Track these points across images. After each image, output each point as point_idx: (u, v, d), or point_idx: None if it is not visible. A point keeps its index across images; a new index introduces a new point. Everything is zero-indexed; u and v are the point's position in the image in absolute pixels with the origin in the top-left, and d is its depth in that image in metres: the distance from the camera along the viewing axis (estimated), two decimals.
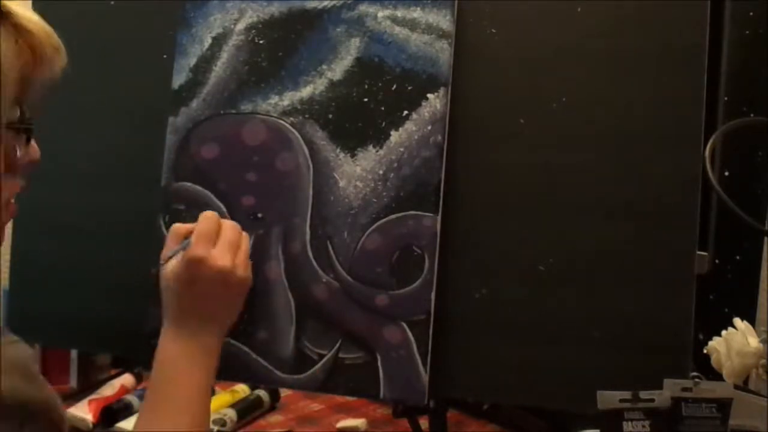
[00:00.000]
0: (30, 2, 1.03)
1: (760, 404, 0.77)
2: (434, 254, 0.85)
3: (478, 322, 0.85)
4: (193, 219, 0.88)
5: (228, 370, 0.88)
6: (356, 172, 0.87)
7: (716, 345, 0.86)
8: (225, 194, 0.90)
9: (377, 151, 0.87)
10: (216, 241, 0.81)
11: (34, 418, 0.59)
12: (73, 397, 1.21)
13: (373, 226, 0.86)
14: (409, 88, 0.86)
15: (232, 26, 0.92)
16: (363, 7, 0.89)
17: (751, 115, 1.03)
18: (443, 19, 0.86)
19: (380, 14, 0.88)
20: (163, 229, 0.90)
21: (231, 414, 1.18)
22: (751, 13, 1.06)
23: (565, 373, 0.83)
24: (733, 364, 0.83)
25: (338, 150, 0.88)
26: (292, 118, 0.89)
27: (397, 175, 0.86)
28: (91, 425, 1.14)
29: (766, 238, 1.02)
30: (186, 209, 0.90)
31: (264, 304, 0.88)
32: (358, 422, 1.18)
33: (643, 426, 0.70)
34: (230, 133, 0.90)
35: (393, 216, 0.86)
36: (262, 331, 0.88)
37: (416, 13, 0.87)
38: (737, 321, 0.87)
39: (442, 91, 0.86)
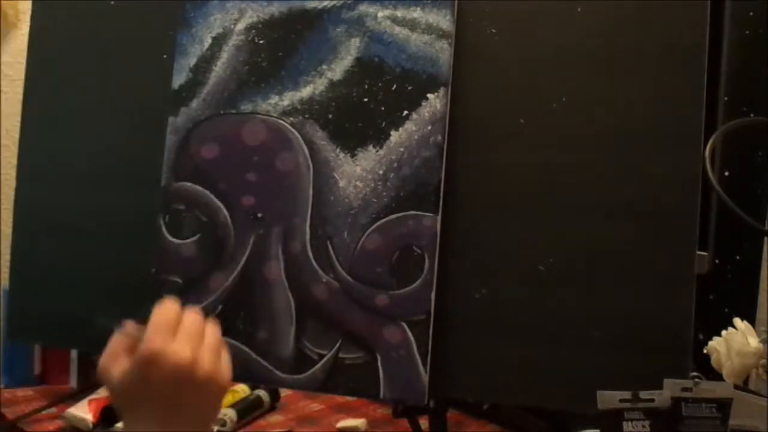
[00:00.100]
0: (30, 2, 1.03)
1: (760, 404, 0.77)
2: (434, 254, 0.85)
3: (478, 322, 0.85)
4: (194, 219, 0.88)
5: None
6: (356, 172, 0.87)
7: (716, 345, 0.86)
8: (225, 194, 0.90)
9: (377, 151, 0.87)
10: (174, 333, 0.66)
11: None
12: (73, 397, 1.21)
13: (373, 226, 0.86)
14: (409, 88, 0.86)
15: (232, 26, 0.92)
16: (363, 7, 0.89)
17: (751, 115, 1.03)
18: (443, 19, 0.86)
19: (380, 14, 0.88)
20: (163, 229, 0.90)
21: (231, 414, 1.17)
22: (751, 13, 1.06)
23: (565, 373, 0.83)
24: (733, 364, 0.83)
25: (338, 150, 0.88)
26: (292, 118, 0.89)
27: (397, 175, 0.86)
28: (91, 425, 1.14)
29: (766, 238, 1.02)
30: (186, 209, 0.90)
31: (264, 304, 0.88)
32: (358, 422, 1.18)
33: (643, 426, 0.70)
34: (230, 133, 0.90)
35: (393, 216, 0.86)
36: (262, 331, 0.88)
37: (416, 13, 0.87)
38: (737, 321, 0.87)
39: (442, 91, 0.86)
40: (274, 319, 0.88)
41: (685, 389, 0.71)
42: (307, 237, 0.87)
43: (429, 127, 0.86)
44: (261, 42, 0.91)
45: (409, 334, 0.84)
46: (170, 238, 0.91)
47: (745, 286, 1.06)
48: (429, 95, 0.86)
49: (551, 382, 0.83)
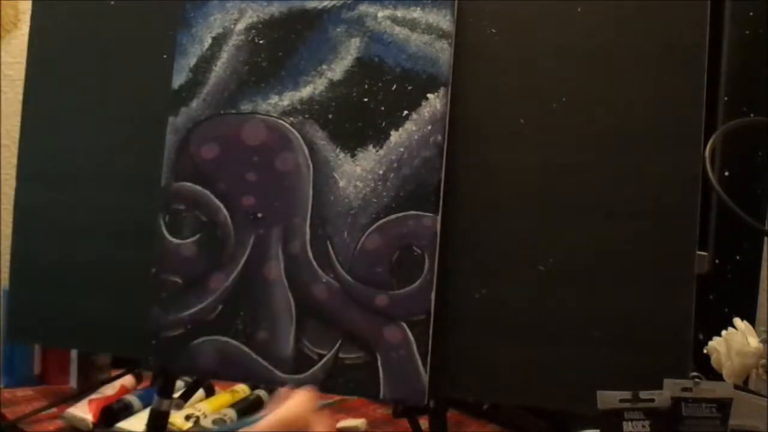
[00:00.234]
0: (30, 2, 1.03)
1: (760, 404, 0.77)
2: (434, 254, 0.85)
3: (478, 322, 0.85)
4: (194, 219, 0.88)
5: (228, 370, 0.88)
6: (356, 172, 0.87)
7: (716, 345, 0.86)
8: (225, 194, 0.90)
9: (377, 151, 0.87)
10: None
11: None
12: (73, 397, 1.21)
13: (373, 226, 0.86)
14: (409, 88, 0.86)
15: (232, 26, 0.92)
16: (363, 7, 0.89)
17: (751, 115, 1.03)
18: (443, 19, 0.86)
19: (380, 14, 0.88)
20: (163, 229, 0.90)
21: (231, 414, 1.18)
22: (751, 13, 1.06)
23: (565, 373, 0.83)
24: (733, 364, 0.83)
25: (338, 150, 0.88)
26: (292, 118, 0.89)
27: (397, 175, 0.86)
28: (91, 425, 1.14)
29: (766, 238, 1.02)
30: (186, 209, 0.90)
31: (264, 304, 0.88)
32: (358, 422, 1.18)
33: (643, 426, 0.70)
34: (230, 133, 0.90)
35: (393, 216, 0.86)
36: (262, 331, 0.88)
37: (416, 13, 0.87)
38: (737, 321, 0.87)
39: (442, 91, 0.86)
40: (274, 319, 0.88)
41: (685, 389, 0.71)
42: (307, 237, 0.87)
43: (429, 127, 0.86)
44: (261, 42, 0.91)
45: (409, 334, 0.84)
46: (170, 238, 0.91)
47: (745, 286, 1.06)
48: (429, 95, 0.86)
49: (551, 382, 0.83)
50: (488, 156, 0.86)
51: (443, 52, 0.86)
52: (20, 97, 1.02)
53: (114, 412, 1.16)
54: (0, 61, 1.43)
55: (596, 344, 0.82)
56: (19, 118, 1.01)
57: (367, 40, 0.88)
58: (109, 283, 0.95)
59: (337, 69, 0.89)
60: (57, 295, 0.97)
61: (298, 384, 0.87)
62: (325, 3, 0.90)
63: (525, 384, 0.84)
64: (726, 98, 1.04)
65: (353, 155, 0.87)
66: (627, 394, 0.71)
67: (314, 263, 0.87)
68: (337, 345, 0.86)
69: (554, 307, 0.84)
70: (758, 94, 1.04)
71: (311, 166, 0.88)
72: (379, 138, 0.87)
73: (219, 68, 0.91)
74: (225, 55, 0.91)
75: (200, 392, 1.20)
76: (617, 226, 0.83)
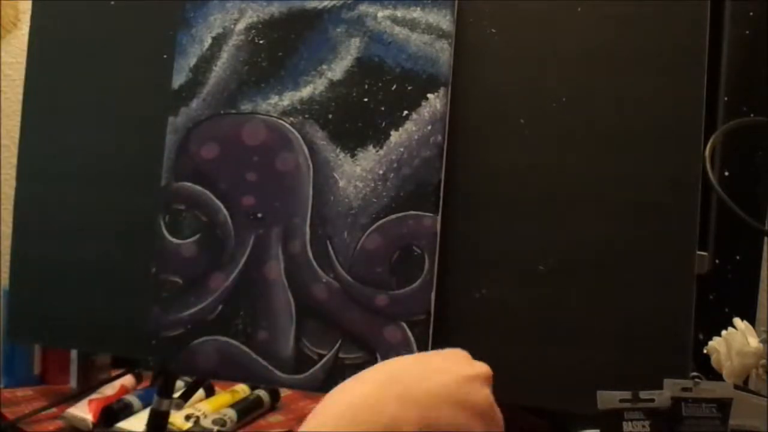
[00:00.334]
0: (30, 2, 1.03)
1: (760, 404, 0.77)
2: (434, 254, 0.85)
3: (478, 322, 0.85)
4: (194, 219, 0.88)
5: (228, 370, 0.88)
6: (356, 172, 0.87)
7: (716, 345, 0.86)
8: (225, 194, 0.90)
9: (377, 151, 0.87)
10: None
11: None
12: (73, 397, 1.21)
13: (373, 226, 0.86)
14: (409, 88, 0.86)
15: (232, 26, 0.92)
16: (363, 7, 0.89)
17: (751, 115, 1.03)
18: (443, 19, 0.86)
19: (380, 14, 0.88)
20: (163, 229, 0.90)
21: (231, 414, 1.18)
22: (751, 13, 1.06)
23: (565, 373, 0.83)
24: (733, 364, 0.83)
25: (338, 150, 0.88)
26: (292, 118, 0.89)
27: (397, 175, 0.86)
28: (91, 425, 1.14)
29: (766, 238, 1.02)
30: (186, 209, 0.90)
31: (264, 304, 0.88)
32: None
33: (643, 426, 0.70)
34: (230, 133, 0.90)
35: (393, 216, 0.86)
36: (262, 331, 0.88)
37: (416, 13, 0.87)
38: (737, 321, 0.87)
39: (442, 91, 0.86)
40: (274, 319, 0.87)
41: (685, 389, 0.71)
42: (307, 237, 0.87)
43: (429, 127, 0.86)
44: (261, 42, 0.91)
45: (409, 334, 0.84)
46: (170, 238, 0.91)
47: (745, 286, 1.06)
48: (429, 95, 0.86)
49: (551, 382, 0.83)
50: (488, 156, 0.86)
51: (443, 52, 0.86)
52: (20, 97, 1.02)
53: (114, 412, 1.16)
54: (0, 61, 1.43)
55: (596, 344, 0.82)
56: (19, 118, 1.01)
57: (367, 40, 0.88)
58: (109, 283, 0.95)
59: (337, 69, 0.89)
60: (57, 295, 0.97)
61: (299, 384, 0.87)
62: (325, 3, 0.90)
63: (525, 384, 0.84)
64: (726, 98, 1.04)
65: (353, 155, 0.87)
66: (627, 394, 0.71)
67: (314, 263, 0.87)
68: (337, 345, 0.86)
69: (554, 307, 0.84)
70: (758, 94, 1.04)
71: (311, 166, 0.88)
72: (379, 138, 0.87)
73: (219, 68, 0.91)
74: (225, 55, 0.91)
75: (200, 392, 1.20)
76: (617, 226, 0.83)
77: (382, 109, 0.87)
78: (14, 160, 1.02)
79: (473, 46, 0.87)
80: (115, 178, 0.96)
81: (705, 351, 0.87)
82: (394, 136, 0.86)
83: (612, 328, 0.82)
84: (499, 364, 0.85)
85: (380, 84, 0.87)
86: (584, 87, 0.85)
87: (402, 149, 0.86)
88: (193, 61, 0.92)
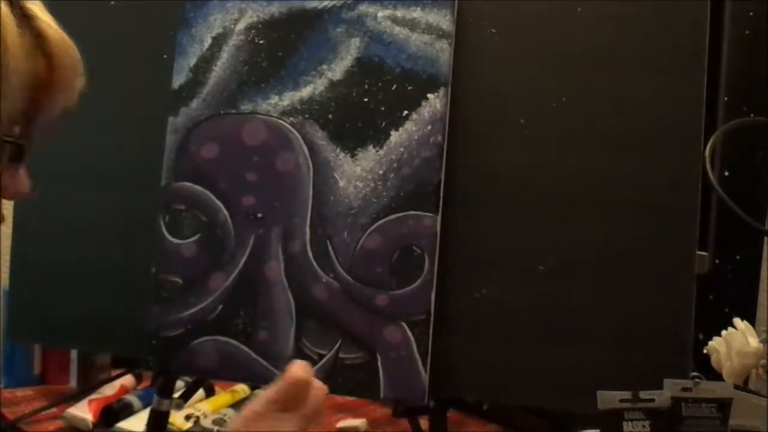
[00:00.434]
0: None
1: (760, 404, 0.77)
2: (434, 254, 0.84)
3: (478, 322, 0.85)
4: (194, 219, 0.88)
5: (228, 370, 0.88)
6: (356, 172, 0.87)
7: (716, 345, 0.86)
8: (225, 194, 0.90)
9: (377, 151, 0.87)
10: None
11: None
12: (73, 397, 1.21)
13: (373, 226, 0.86)
14: (409, 88, 0.86)
15: (232, 26, 0.91)
16: (363, 7, 0.89)
17: (751, 115, 1.03)
18: (443, 19, 0.86)
19: (380, 14, 0.88)
20: (163, 229, 0.90)
21: (231, 414, 1.17)
22: (751, 13, 1.06)
23: (565, 373, 0.83)
24: (733, 364, 0.83)
25: (338, 150, 0.88)
26: (292, 118, 0.89)
27: (397, 175, 0.86)
28: (91, 425, 1.14)
29: (766, 238, 1.02)
30: (186, 209, 0.90)
31: (264, 304, 0.88)
32: (358, 422, 1.18)
33: (643, 426, 0.70)
34: (230, 133, 0.90)
35: (393, 216, 0.86)
36: (262, 331, 0.88)
37: (416, 13, 0.87)
38: (737, 321, 0.87)
39: (442, 91, 0.86)
40: (274, 319, 0.87)
41: (685, 389, 0.71)
42: (307, 237, 0.87)
43: (429, 127, 0.86)
44: (261, 42, 0.91)
45: (409, 334, 0.84)
46: (170, 238, 0.91)
47: (745, 286, 1.06)
48: (429, 95, 0.86)
49: (551, 382, 0.83)
50: (488, 156, 0.86)
51: (443, 52, 0.86)
52: None
53: (114, 412, 1.16)
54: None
55: (596, 344, 0.82)
56: None
57: (367, 40, 0.88)
58: (109, 283, 0.95)
59: (337, 69, 0.89)
60: (57, 295, 0.97)
61: None
62: (325, 3, 0.90)
63: (525, 384, 0.84)
64: (726, 98, 1.04)
65: (353, 155, 0.87)
66: (627, 394, 0.71)
67: (314, 263, 0.87)
68: (337, 345, 0.86)
69: (554, 307, 0.84)
70: (758, 94, 1.04)
71: (311, 166, 0.88)
72: (379, 138, 0.87)
73: (219, 68, 0.91)
74: (225, 55, 0.91)
75: (200, 392, 1.20)
76: (617, 227, 0.83)
77: (382, 109, 0.87)
78: None
79: (473, 46, 0.87)
80: (115, 178, 0.96)
81: (705, 351, 0.87)
82: (394, 136, 0.86)
83: (612, 328, 0.82)
84: (499, 364, 0.85)
85: (380, 84, 0.87)
86: (584, 87, 0.85)
87: (402, 149, 0.86)
88: (193, 61, 0.92)
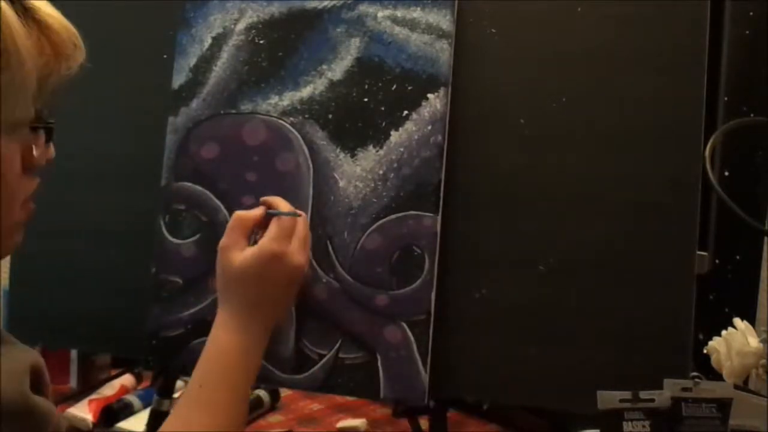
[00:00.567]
0: None
1: (760, 404, 0.77)
2: (434, 254, 0.84)
3: (478, 322, 0.85)
4: (194, 219, 0.88)
5: None
6: (356, 172, 0.87)
7: (716, 345, 0.86)
8: (225, 194, 0.90)
9: (377, 151, 0.87)
10: (292, 236, 0.80)
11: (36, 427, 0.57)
12: (73, 397, 1.21)
13: (373, 226, 0.86)
14: (409, 88, 0.86)
15: (232, 26, 0.92)
16: (363, 7, 0.89)
17: (751, 115, 1.03)
18: (443, 19, 0.86)
19: (380, 14, 0.88)
20: (163, 229, 0.90)
21: None
22: (751, 13, 1.06)
23: (565, 373, 0.83)
24: (733, 364, 0.83)
25: (338, 150, 0.88)
26: (292, 118, 0.89)
27: (397, 175, 0.86)
28: (91, 425, 1.14)
29: (766, 238, 1.02)
30: (186, 209, 0.90)
31: None
32: (358, 422, 1.18)
33: (643, 426, 0.70)
34: (230, 133, 0.90)
35: (393, 216, 0.86)
36: None
37: (416, 13, 0.87)
38: (737, 321, 0.87)
39: (442, 91, 0.86)
40: None
41: (685, 389, 0.71)
42: None
43: (429, 127, 0.86)
44: (261, 42, 0.91)
45: (409, 334, 0.84)
46: (170, 238, 0.91)
47: (745, 286, 1.06)
48: (429, 95, 0.86)
49: (551, 382, 0.83)
50: (488, 156, 0.86)
51: (443, 52, 0.86)
52: None
53: (114, 412, 1.16)
54: None
55: (596, 344, 0.82)
56: None
57: (367, 40, 0.88)
58: (109, 283, 0.95)
59: (337, 69, 0.89)
60: (57, 295, 0.97)
61: (299, 384, 0.87)
62: (325, 3, 0.90)
63: (525, 384, 0.84)
64: (726, 98, 1.04)
65: (353, 155, 0.87)
66: (627, 394, 0.71)
67: (314, 263, 0.87)
68: (337, 345, 0.86)
69: (554, 307, 0.84)
70: (758, 94, 1.04)
71: (311, 166, 0.88)
72: (379, 138, 0.87)
73: (219, 68, 0.91)
74: (225, 55, 0.91)
75: None
76: (617, 227, 0.83)
77: (382, 109, 0.87)
78: None
79: (473, 46, 0.87)
80: (115, 178, 0.96)
81: (705, 351, 0.87)
82: (394, 136, 0.86)
83: (612, 328, 0.82)
84: (499, 364, 0.85)
85: (380, 84, 0.87)
86: (584, 87, 0.85)
87: (402, 149, 0.86)
88: (193, 61, 0.92)
